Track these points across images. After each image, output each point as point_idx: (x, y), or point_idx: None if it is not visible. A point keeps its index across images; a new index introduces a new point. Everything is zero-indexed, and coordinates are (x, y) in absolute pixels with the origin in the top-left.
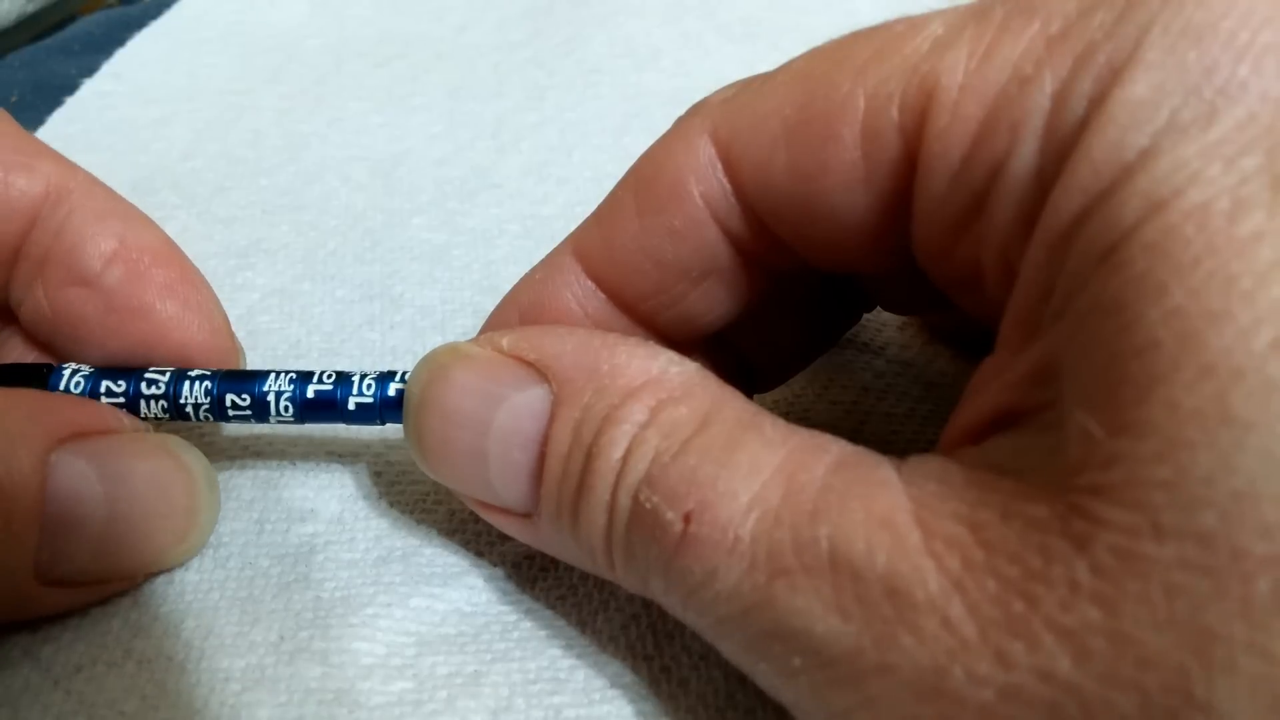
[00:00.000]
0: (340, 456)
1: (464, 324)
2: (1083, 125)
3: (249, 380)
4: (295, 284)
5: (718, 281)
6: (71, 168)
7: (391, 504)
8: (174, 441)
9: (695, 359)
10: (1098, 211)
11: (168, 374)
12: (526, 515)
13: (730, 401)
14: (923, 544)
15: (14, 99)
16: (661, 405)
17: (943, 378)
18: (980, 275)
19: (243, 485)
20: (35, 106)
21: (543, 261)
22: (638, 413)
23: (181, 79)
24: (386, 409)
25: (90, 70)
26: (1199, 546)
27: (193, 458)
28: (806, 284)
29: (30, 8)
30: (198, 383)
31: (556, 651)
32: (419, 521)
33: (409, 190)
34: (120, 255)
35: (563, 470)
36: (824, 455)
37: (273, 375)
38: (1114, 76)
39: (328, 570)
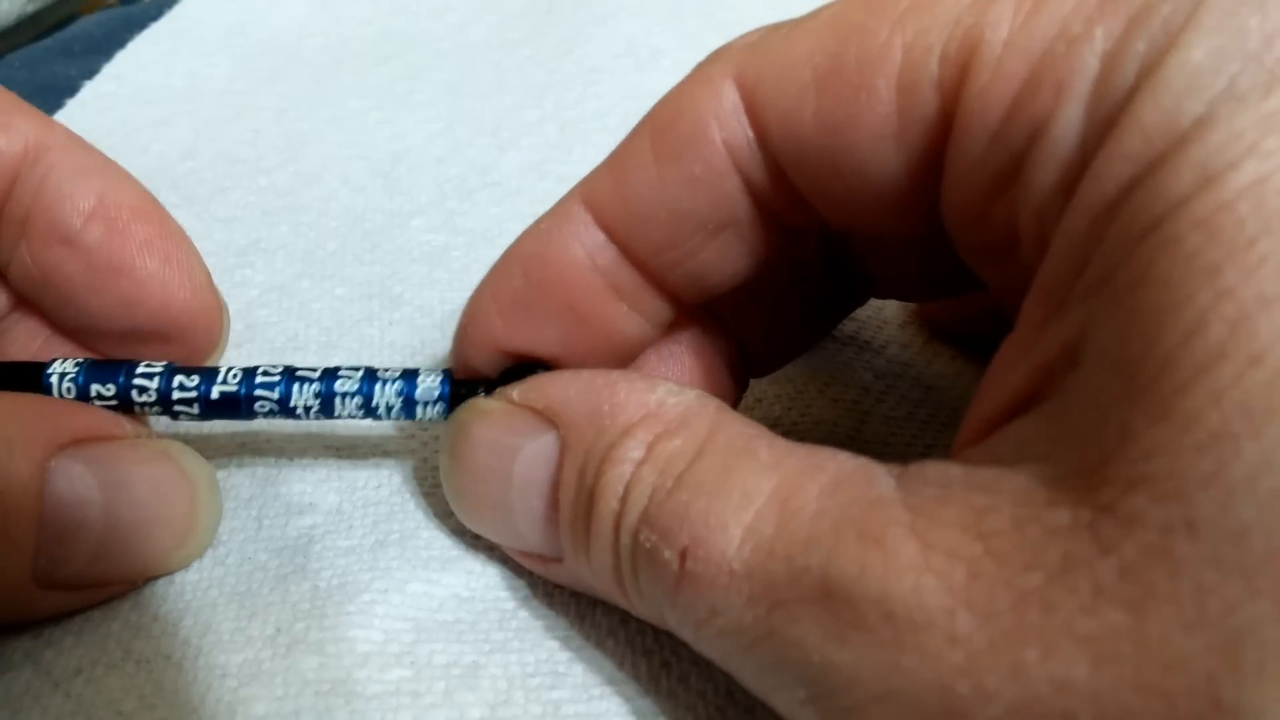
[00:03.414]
0: (339, 451)
1: None
2: (1133, 90)
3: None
4: (294, 281)
5: (734, 236)
6: (50, 124)
7: (391, 492)
8: (175, 447)
9: (693, 336)
10: (1147, 182)
11: (157, 378)
12: (557, 559)
13: (727, 426)
14: (922, 559)
15: None
16: (658, 440)
17: (942, 378)
18: (1011, 244)
19: (241, 483)
20: (35, 107)
21: (549, 212)
22: (634, 449)
23: (181, 79)
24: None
25: (91, 72)
26: (1233, 545)
27: (193, 463)
28: (807, 269)
29: (30, 8)
30: (186, 405)
31: (555, 644)
32: (417, 507)
33: (409, 190)
34: (99, 212)
35: (571, 514)
36: (819, 475)
37: (298, 385)
38: (1170, 40)
39: (325, 559)
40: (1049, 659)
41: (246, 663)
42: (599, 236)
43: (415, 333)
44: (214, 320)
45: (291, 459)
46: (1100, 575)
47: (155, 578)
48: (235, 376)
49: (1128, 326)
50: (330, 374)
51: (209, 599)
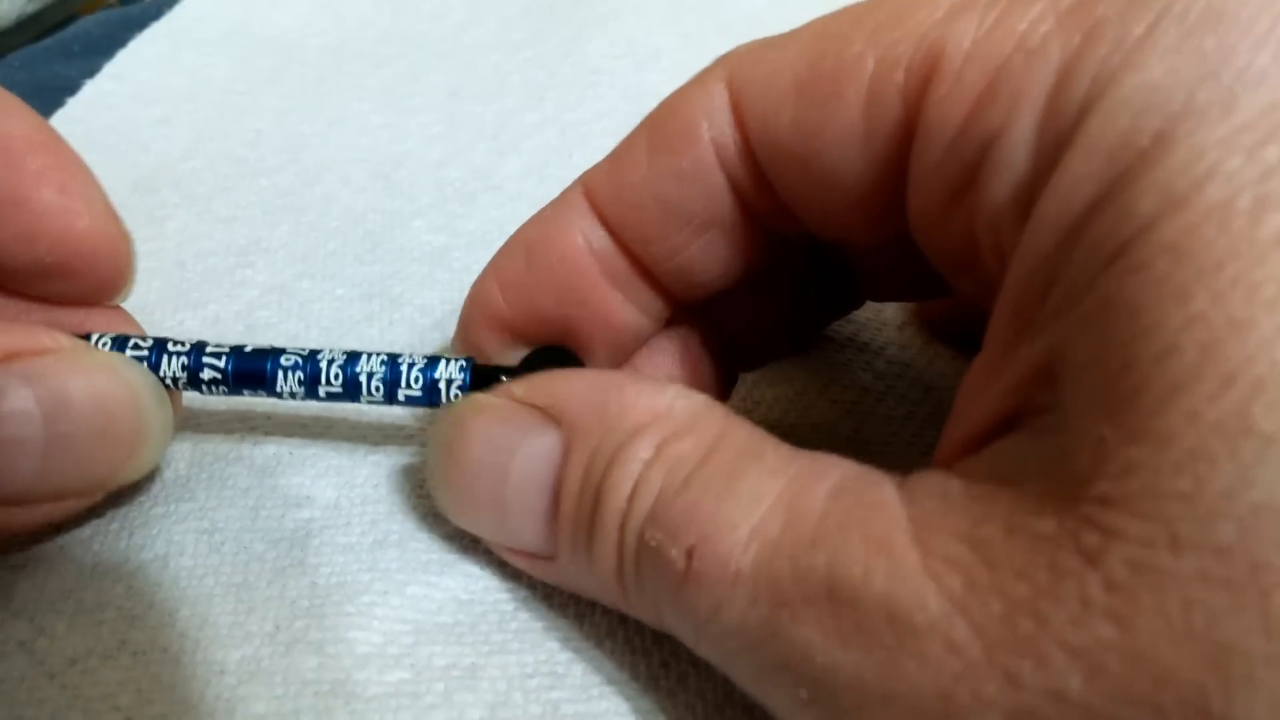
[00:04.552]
0: (337, 445)
1: None
2: (1089, 105)
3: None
4: (295, 281)
5: (719, 236)
6: None
7: (389, 491)
8: (115, 358)
9: (682, 328)
10: (1111, 203)
11: (186, 344)
12: (549, 557)
13: (734, 430)
14: (921, 565)
15: None
16: (666, 441)
17: (942, 379)
18: (972, 253)
19: (239, 474)
20: (35, 107)
21: (554, 200)
22: (643, 450)
23: (182, 79)
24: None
25: (91, 72)
26: (1217, 559)
27: (136, 374)
28: (798, 266)
29: (30, 8)
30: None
31: (554, 645)
32: (415, 508)
33: (409, 192)
34: None
35: (575, 512)
36: (824, 480)
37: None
38: (1126, 57)
39: (323, 555)
40: (1042, 670)
41: (245, 659)
42: (595, 223)
43: (415, 332)
44: (118, 249)
45: (290, 451)
46: (1087, 588)
47: (111, 490)
48: (262, 350)
49: (1101, 349)
50: (353, 356)
51: (205, 588)
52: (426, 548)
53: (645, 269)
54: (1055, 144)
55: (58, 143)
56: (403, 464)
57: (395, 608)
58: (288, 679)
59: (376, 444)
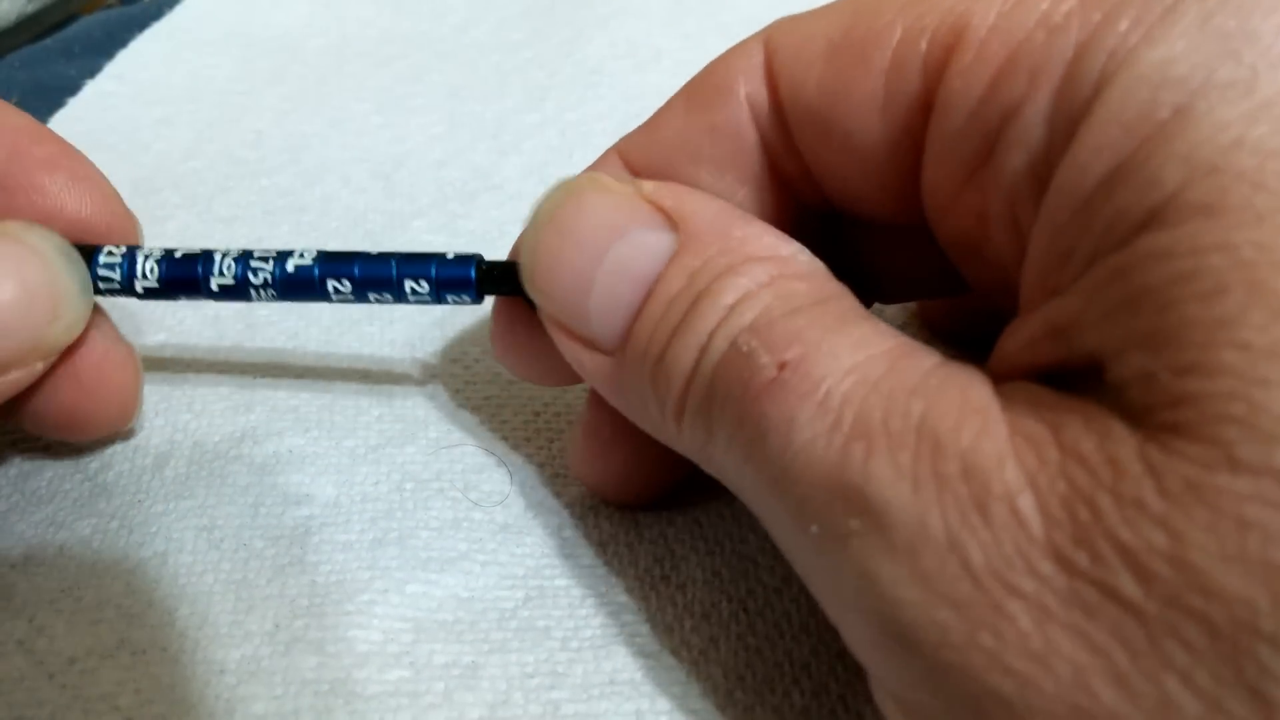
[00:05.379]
0: (337, 443)
1: (463, 322)
2: (1105, 80)
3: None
4: None
5: (749, 198)
6: None
7: (388, 489)
8: (10, 225)
9: None
10: (1132, 171)
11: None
12: (608, 353)
13: (849, 295)
14: (1008, 435)
15: (14, 100)
16: (783, 276)
17: None
18: (983, 233)
19: (238, 471)
20: (35, 108)
21: (590, 164)
22: (759, 273)
23: (183, 79)
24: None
25: (91, 72)
26: (1276, 483)
27: (35, 235)
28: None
29: (30, 8)
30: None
31: (555, 644)
32: (415, 506)
33: (410, 192)
34: None
35: (664, 308)
36: (929, 354)
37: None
38: (1144, 34)
39: (323, 553)
40: (1095, 563)
41: (245, 659)
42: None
43: (416, 330)
44: (129, 229)
45: (290, 449)
46: (1142, 493)
47: (50, 356)
48: (268, 255)
49: (1139, 298)
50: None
51: (204, 585)
52: (426, 545)
53: None
54: (1071, 118)
55: (56, 135)
56: (402, 462)
57: (395, 606)
58: (287, 678)
59: (376, 443)
